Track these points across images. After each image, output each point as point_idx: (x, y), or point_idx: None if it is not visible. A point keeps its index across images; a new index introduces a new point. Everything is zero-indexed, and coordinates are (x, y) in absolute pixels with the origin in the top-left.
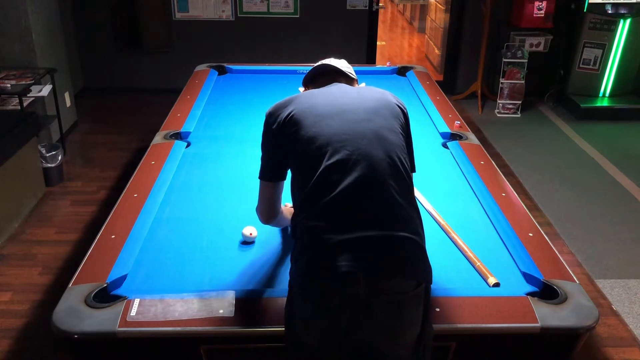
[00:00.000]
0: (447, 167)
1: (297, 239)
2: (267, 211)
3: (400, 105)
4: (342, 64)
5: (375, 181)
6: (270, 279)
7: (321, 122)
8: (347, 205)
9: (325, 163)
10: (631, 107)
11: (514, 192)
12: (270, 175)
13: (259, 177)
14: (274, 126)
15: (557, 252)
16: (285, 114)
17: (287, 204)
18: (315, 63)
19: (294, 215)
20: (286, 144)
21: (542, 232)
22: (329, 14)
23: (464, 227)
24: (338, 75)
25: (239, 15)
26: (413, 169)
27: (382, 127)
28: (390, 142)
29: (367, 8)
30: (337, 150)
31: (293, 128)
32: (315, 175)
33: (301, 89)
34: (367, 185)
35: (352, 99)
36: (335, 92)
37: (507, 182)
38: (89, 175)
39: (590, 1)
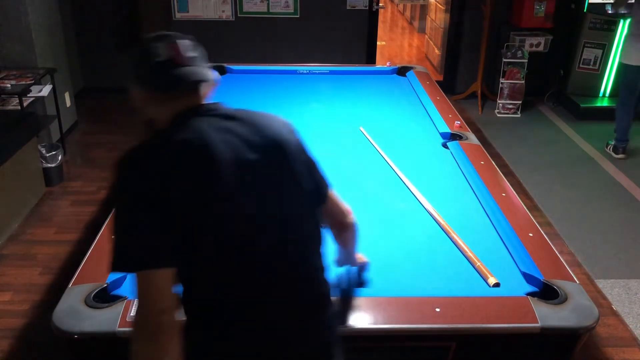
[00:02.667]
0: (447, 167)
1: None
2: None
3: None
4: (196, 55)
5: None
6: None
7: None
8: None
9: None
10: None
11: (514, 192)
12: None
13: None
14: None
15: (557, 252)
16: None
17: None
18: (315, 63)
19: None
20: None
21: (542, 232)
22: (329, 14)
23: (464, 227)
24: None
25: (239, 15)
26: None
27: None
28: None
29: (367, 8)
30: None
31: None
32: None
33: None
34: None
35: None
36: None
37: (507, 182)
38: (89, 175)
39: (590, 1)
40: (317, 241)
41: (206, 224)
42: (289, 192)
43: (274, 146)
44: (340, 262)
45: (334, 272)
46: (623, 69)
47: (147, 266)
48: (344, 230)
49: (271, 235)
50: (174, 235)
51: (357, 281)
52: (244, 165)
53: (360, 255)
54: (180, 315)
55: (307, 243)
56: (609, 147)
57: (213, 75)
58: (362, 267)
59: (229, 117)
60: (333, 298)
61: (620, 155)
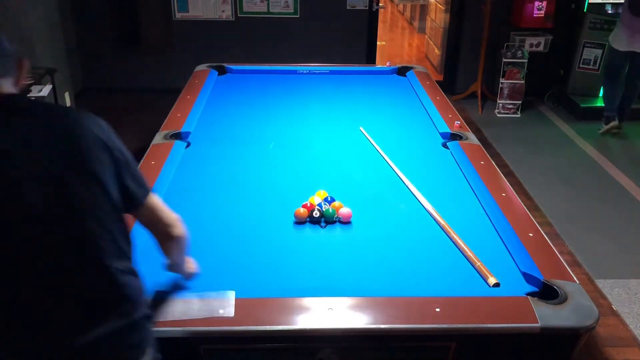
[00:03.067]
0: (447, 167)
1: None
2: None
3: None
4: None
5: None
6: (270, 278)
7: None
8: None
9: None
10: (631, 107)
11: (514, 192)
12: None
13: None
14: None
15: (557, 252)
16: None
17: None
18: (315, 63)
19: None
20: None
21: (542, 232)
22: (329, 14)
23: (464, 227)
24: None
25: (239, 15)
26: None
27: None
28: None
29: (367, 8)
30: None
31: None
32: None
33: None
34: None
35: None
36: None
37: (507, 182)
38: None
39: (590, 1)
40: (119, 244)
41: None
42: (80, 193)
43: (66, 144)
44: (168, 269)
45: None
46: (610, 51)
47: None
48: (167, 240)
49: (57, 234)
50: None
51: (179, 287)
52: (27, 161)
53: (191, 265)
54: None
55: (102, 245)
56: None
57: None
58: (189, 277)
59: (20, 111)
60: (144, 299)
61: (610, 124)
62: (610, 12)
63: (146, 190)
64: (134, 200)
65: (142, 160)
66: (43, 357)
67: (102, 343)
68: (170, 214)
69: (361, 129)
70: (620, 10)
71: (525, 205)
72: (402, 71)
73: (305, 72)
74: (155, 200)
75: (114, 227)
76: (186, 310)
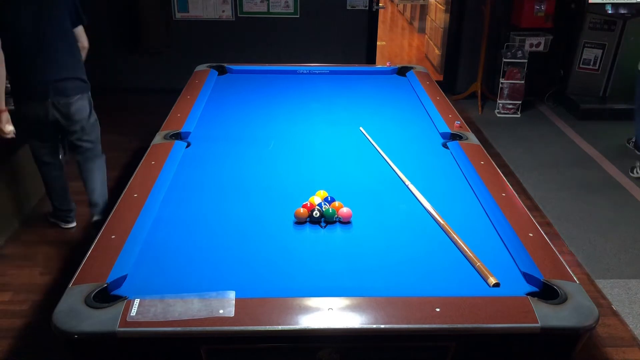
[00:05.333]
0: (447, 167)
1: None
2: None
3: None
4: None
5: None
6: (270, 278)
7: None
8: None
9: None
10: (631, 107)
11: (514, 192)
12: None
13: None
14: None
15: (557, 252)
16: None
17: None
18: (315, 63)
19: None
20: None
21: (542, 232)
22: (329, 14)
23: (464, 227)
24: None
25: (239, 15)
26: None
27: None
28: None
29: (367, 8)
30: None
31: None
32: None
33: None
34: None
35: None
36: None
37: (507, 182)
38: None
39: (590, 1)
40: (72, 45)
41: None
42: (54, 13)
43: None
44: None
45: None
46: (638, 75)
47: None
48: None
49: (45, 37)
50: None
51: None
52: None
53: None
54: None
55: (64, 44)
56: (634, 170)
57: None
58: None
59: None
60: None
61: None
62: (610, 12)
63: (84, 20)
64: (77, 20)
65: (142, 160)
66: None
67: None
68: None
69: (361, 129)
70: (621, 11)
71: (525, 205)
72: (402, 71)
73: (305, 72)
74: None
75: (71, 35)
76: (186, 310)
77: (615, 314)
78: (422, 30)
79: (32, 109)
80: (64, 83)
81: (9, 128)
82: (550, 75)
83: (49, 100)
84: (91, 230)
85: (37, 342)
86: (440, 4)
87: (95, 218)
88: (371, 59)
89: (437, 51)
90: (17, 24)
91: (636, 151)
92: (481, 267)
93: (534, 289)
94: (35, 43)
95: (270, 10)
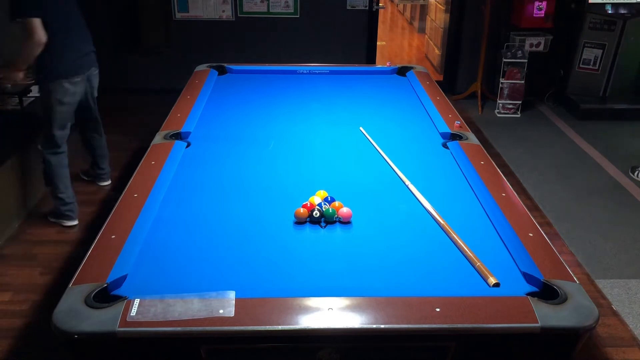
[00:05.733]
0: (447, 167)
1: None
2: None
3: None
4: None
5: None
6: (270, 278)
7: None
8: None
9: None
10: (631, 107)
11: (514, 192)
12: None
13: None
14: None
15: (557, 252)
16: None
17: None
18: (315, 63)
19: None
20: None
21: (542, 232)
22: (329, 14)
23: (464, 227)
24: None
25: (239, 15)
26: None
27: None
28: None
29: (367, 8)
30: None
31: None
32: None
33: None
34: None
35: None
36: None
37: (507, 182)
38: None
39: (590, 1)
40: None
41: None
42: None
43: None
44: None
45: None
46: None
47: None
48: None
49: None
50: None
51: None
52: None
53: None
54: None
55: (82, 19)
56: (636, 173)
57: None
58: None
59: None
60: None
61: None
62: (610, 12)
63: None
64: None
65: (142, 160)
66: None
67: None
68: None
69: (361, 129)
70: (621, 11)
71: (525, 205)
72: (402, 71)
73: (305, 72)
74: None
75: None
76: (186, 310)
77: (615, 314)
78: (422, 30)
79: (73, 85)
80: (91, 55)
81: (21, 75)
82: (550, 75)
83: (85, 73)
84: (91, 229)
85: (37, 342)
86: (440, 4)
87: (107, 183)
88: (371, 59)
89: (437, 51)
90: (51, 4)
91: None
92: (481, 267)
93: (534, 289)
94: (67, 21)
95: (270, 10)
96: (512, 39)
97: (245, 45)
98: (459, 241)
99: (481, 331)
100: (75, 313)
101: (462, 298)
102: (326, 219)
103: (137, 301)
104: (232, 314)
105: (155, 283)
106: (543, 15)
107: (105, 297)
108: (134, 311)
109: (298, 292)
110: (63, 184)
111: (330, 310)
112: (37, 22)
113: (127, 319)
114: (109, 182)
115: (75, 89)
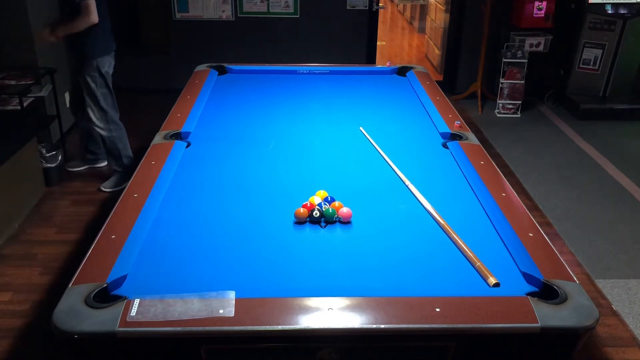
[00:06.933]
0: (447, 167)
1: None
2: None
3: None
4: None
5: None
6: (270, 278)
7: None
8: None
9: None
10: (631, 107)
11: (514, 192)
12: None
13: None
14: None
15: (557, 252)
16: None
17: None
18: (315, 63)
19: None
20: None
21: (542, 232)
22: (329, 14)
23: (464, 227)
24: None
25: (239, 15)
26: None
27: None
28: None
29: (367, 8)
30: None
31: None
32: None
33: None
34: None
35: None
36: None
37: (507, 182)
38: (89, 175)
39: (590, 1)
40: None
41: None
42: None
43: None
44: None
45: None
46: None
47: None
48: None
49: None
50: None
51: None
52: None
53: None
54: None
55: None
56: None
57: None
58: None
59: None
60: None
61: None
62: (610, 12)
63: None
64: None
65: (142, 160)
66: None
67: None
68: None
69: (361, 129)
70: (621, 11)
71: (525, 205)
72: (402, 71)
73: (305, 72)
74: None
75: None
76: (186, 310)
77: (615, 314)
78: (422, 30)
79: (113, 59)
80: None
81: (53, 39)
82: (550, 75)
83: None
84: (91, 230)
85: (37, 342)
86: (440, 4)
87: (104, 164)
88: (371, 59)
89: (437, 51)
90: None
91: None
92: (481, 267)
93: (534, 289)
94: (105, 7)
95: (270, 10)
96: (512, 39)
97: (245, 45)
98: (459, 241)
99: (481, 331)
100: (75, 313)
101: (462, 298)
102: (326, 219)
103: (137, 301)
104: (232, 314)
105: (155, 283)
106: (543, 15)
107: (105, 297)
108: (134, 311)
109: (298, 292)
110: (94, 141)
111: (330, 310)
112: (94, 5)
113: (127, 319)
114: (106, 163)
115: (113, 62)
